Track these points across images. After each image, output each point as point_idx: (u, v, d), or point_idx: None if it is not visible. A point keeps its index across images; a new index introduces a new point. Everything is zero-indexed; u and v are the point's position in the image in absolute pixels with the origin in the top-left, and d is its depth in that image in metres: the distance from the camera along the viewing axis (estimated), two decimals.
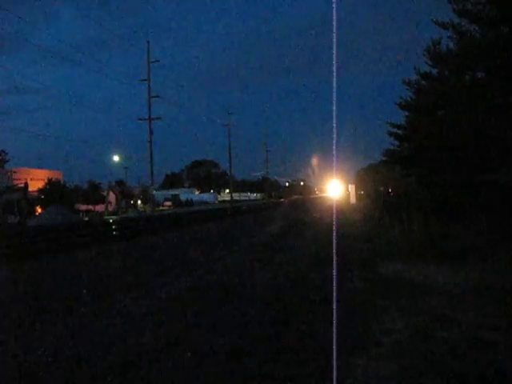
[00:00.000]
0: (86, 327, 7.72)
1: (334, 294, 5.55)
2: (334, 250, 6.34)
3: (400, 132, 29.14)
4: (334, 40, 4.46)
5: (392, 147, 34.23)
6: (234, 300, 8.93)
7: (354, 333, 6.53)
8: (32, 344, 6.83)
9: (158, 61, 60.01)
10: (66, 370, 5.77)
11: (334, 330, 4.52)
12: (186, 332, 7.05)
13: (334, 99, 4.74)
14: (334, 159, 4.99)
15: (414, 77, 25.40)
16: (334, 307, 5.11)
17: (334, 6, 4.29)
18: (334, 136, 4.71)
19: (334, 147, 4.77)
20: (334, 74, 4.56)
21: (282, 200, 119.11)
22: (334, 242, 6.40)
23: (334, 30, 4.37)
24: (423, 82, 25.29)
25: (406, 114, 28.80)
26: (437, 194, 18.94)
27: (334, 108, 4.72)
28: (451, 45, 20.23)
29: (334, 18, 4.25)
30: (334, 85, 4.61)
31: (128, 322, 7.86)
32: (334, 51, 4.45)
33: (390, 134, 30.02)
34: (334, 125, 4.68)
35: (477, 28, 18.01)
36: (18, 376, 5.76)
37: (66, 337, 7.15)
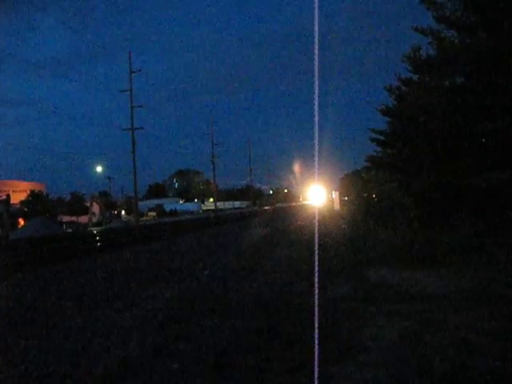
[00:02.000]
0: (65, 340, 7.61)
1: (316, 300, 5.55)
2: (317, 257, 6.34)
3: (382, 138, 29.31)
4: (316, 47, 4.46)
5: (375, 153, 34.46)
6: (219, 308, 8.87)
7: (340, 339, 6.52)
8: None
9: (140, 70, 59.80)
10: None
11: (316, 336, 4.49)
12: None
13: (316, 107, 4.74)
14: (316, 166, 5.00)
15: (396, 83, 25.64)
16: (316, 313, 5.10)
17: (315, 13, 4.30)
18: (316, 143, 4.70)
19: (315, 154, 4.76)
20: (316, 80, 4.56)
21: (267, 208, 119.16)
22: (317, 249, 6.39)
23: (316, 38, 4.37)
24: (404, 88, 25.51)
25: (388, 119, 28.99)
26: (419, 199, 19.07)
27: (316, 115, 4.71)
28: (431, 51, 20.46)
29: (316, 24, 4.26)
30: (316, 92, 4.60)
31: (113, 333, 7.77)
32: (316, 58, 4.45)
33: (373, 140, 30.21)
34: (316, 132, 4.68)
35: (455, 34, 18.24)
36: None
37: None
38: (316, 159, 4.76)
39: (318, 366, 4.41)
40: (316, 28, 4.45)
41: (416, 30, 19.28)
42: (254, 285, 11.43)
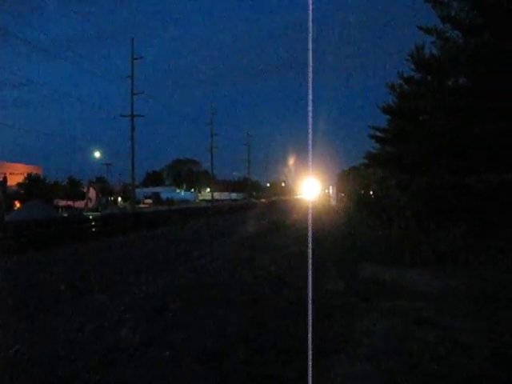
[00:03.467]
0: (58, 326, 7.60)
1: (310, 294, 5.55)
2: (311, 252, 6.34)
3: (382, 135, 29.34)
4: (310, 40, 4.45)
5: (374, 150, 34.52)
6: (213, 300, 8.88)
7: (332, 334, 6.53)
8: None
9: (142, 57, 59.58)
10: None
11: (310, 330, 4.49)
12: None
13: (310, 101, 4.72)
14: (310, 160, 4.99)
15: (398, 81, 25.59)
16: (310, 308, 5.10)
17: (310, 7, 4.30)
18: (310, 138, 4.70)
19: (309, 149, 4.76)
20: (310, 76, 4.55)
21: (263, 200, 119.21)
22: (311, 243, 6.39)
23: (310, 31, 4.36)
24: (406, 86, 25.47)
25: (389, 117, 29.00)
26: (417, 198, 19.09)
27: (310, 109, 4.70)
28: (434, 50, 20.40)
29: (310, 18, 4.25)
30: (310, 87, 4.59)
31: (106, 319, 7.76)
32: (310, 52, 4.43)
33: (372, 136, 30.24)
34: (310, 126, 4.67)
35: (460, 34, 18.18)
36: None
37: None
38: (310, 154, 4.76)
39: (311, 359, 4.41)
40: (310, 23, 4.44)
41: (420, 28, 19.21)
42: (248, 276, 11.44)
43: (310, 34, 4.46)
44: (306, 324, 4.36)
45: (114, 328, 7.17)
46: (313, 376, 4.19)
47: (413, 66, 23.30)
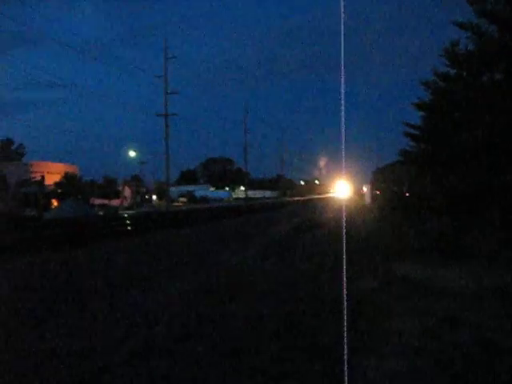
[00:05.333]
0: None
1: (344, 292, 5.59)
2: (345, 249, 6.38)
3: (416, 132, 28.96)
4: (342, 39, 4.49)
5: (408, 148, 34.08)
6: (246, 294, 9.00)
7: (363, 331, 6.54)
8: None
9: (175, 57, 60.25)
10: None
11: (345, 327, 4.55)
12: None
13: (342, 100, 4.77)
14: (343, 159, 5.05)
15: (432, 77, 25.25)
16: (345, 306, 5.16)
17: (342, 3, 4.34)
18: (343, 136, 4.74)
19: (343, 147, 4.81)
20: (342, 72, 4.59)
21: (297, 199, 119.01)
22: (345, 241, 6.43)
23: (342, 29, 4.40)
24: (441, 82, 25.10)
25: (423, 114, 28.61)
26: (451, 196, 18.83)
27: (343, 108, 4.75)
28: (470, 46, 20.07)
29: (342, 15, 4.29)
30: (342, 85, 4.63)
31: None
32: (342, 50, 4.47)
33: (407, 134, 29.87)
34: (343, 125, 4.72)
35: (496, 29, 17.85)
36: None
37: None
38: (343, 152, 4.82)
39: (344, 356, 4.47)
40: (342, 19, 4.48)
41: (455, 23, 18.94)
42: (283, 272, 11.57)
43: (342, 31, 4.50)
44: (339, 321, 4.41)
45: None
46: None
47: (448, 62, 22.98)
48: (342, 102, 4.70)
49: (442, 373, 5.23)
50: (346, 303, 5.27)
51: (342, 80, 4.54)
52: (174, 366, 5.53)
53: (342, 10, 4.35)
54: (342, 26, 4.41)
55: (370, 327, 6.83)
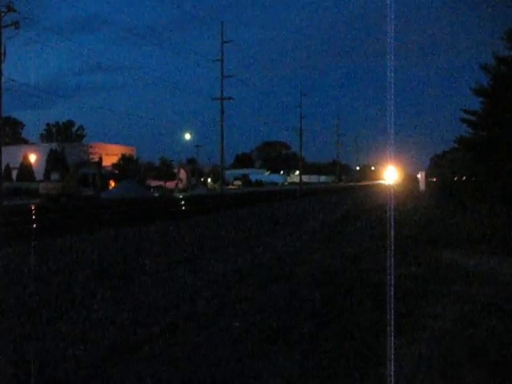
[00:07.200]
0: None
1: (390, 278, 5.71)
2: (393, 234, 6.49)
3: (474, 119, 28.22)
4: (392, 27, 4.56)
5: (466, 134, 33.26)
6: (289, 276, 9.20)
7: (401, 315, 6.62)
8: None
9: (232, 41, 60.74)
10: None
11: (389, 311, 4.67)
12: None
13: (392, 85, 4.86)
14: (392, 145, 5.13)
15: (492, 61, 24.51)
16: (389, 291, 5.28)
17: None
18: (392, 123, 4.82)
19: (391, 133, 4.90)
20: (392, 58, 4.66)
21: (352, 184, 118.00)
22: (393, 226, 6.52)
23: (392, 18, 4.47)
24: (502, 66, 24.34)
25: (482, 100, 27.83)
26: (506, 183, 18.33)
27: (392, 94, 4.83)
28: None
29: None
30: (391, 70, 4.71)
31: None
32: (391, 34, 4.55)
33: (464, 120, 29.14)
34: (392, 112, 4.80)
35: None
36: None
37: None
38: (391, 139, 4.90)
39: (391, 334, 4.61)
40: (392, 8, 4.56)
41: None
42: (326, 254, 11.72)
43: (392, 21, 4.58)
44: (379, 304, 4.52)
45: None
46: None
47: (509, 45, 22.26)
48: (392, 89, 4.78)
49: (473, 357, 5.28)
50: (388, 288, 5.38)
51: (392, 65, 4.62)
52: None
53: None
54: (393, 9, 4.49)
55: (409, 311, 6.90)
